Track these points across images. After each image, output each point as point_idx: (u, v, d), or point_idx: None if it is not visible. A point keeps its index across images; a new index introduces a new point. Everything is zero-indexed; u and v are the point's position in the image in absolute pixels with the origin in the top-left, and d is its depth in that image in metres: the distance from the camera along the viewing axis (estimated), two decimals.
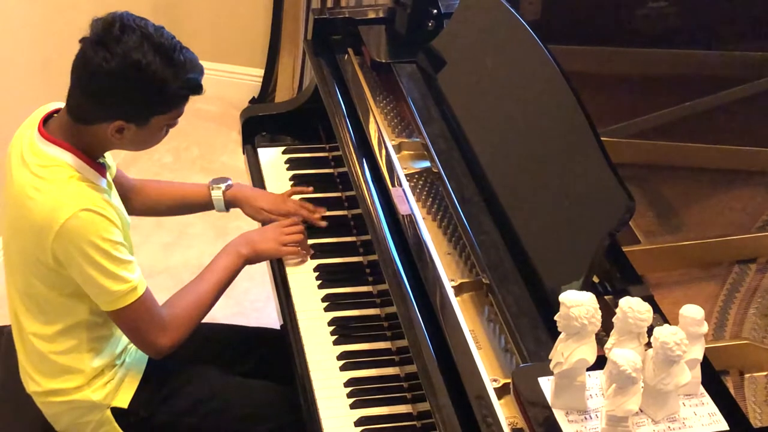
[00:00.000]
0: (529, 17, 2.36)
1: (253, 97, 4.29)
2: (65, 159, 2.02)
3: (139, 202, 2.46)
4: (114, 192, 2.18)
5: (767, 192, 2.34)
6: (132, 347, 2.24)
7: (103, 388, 2.20)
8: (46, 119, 2.10)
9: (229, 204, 2.50)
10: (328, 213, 2.51)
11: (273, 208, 2.46)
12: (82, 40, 1.99)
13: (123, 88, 1.98)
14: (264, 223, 2.47)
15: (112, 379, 2.21)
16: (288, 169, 2.64)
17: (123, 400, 2.21)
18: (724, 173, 2.39)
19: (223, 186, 2.48)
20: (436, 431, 1.79)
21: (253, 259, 2.33)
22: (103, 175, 2.11)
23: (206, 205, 2.52)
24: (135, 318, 2.09)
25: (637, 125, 2.47)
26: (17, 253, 2.12)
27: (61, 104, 2.09)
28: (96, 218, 1.99)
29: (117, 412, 2.21)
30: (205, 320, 2.44)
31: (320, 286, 2.33)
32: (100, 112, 2.02)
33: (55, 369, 2.17)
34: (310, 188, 2.55)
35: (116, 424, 2.22)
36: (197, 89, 2.06)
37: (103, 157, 2.15)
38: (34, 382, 2.21)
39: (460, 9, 2.46)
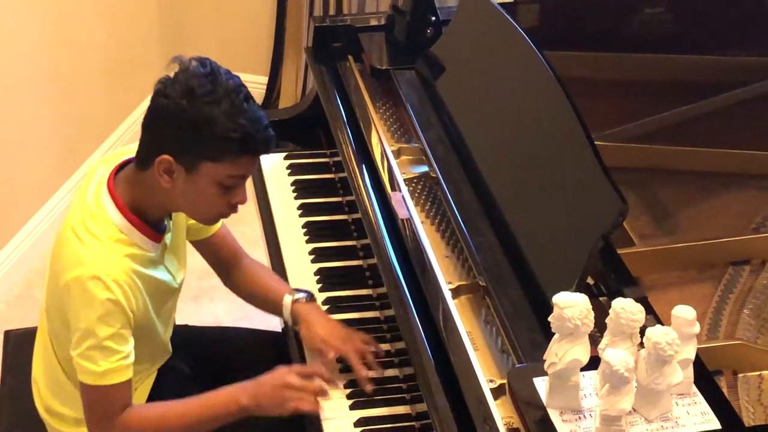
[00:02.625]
0: (525, 24, 2.36)
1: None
2: (114, 219, 1.95)
3: (239, 281, 2.32)
4: (169, 257, 2.08)
5: (761, 195, 2.34)
6: None
7: None
8: (125, 164, 2.02)
9: (294, 318, 2.23)
10: (328, 217, 2.51)
11: (332, 341, 2.14)
12: (160, 78, 1.93)
13: (174, 114, 1.88)
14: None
15: None
16: (289, 174, 2.64)
17: None
18: (718, 177, 2.39)
19: (298, 296, 2.23)
20: (433, 430, 1.79)
21: (254, 412, 2.06)
22: (156, 239, 2.01)
23: (279, 308, 2.26)
24: (91, 397, 1.98)
25: (631, 130, 2.47)
26: (50, 273, 2.07)
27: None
28: (102, 292, 1.89)
29: None
30: (210, 325, 2.43)
31: (321, 290, 2.33)
32: (152, 145, 1.92)
33: (61, 395, 2.15)
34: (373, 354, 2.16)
35: None
36: (253, 143, 1.90)
37: (169, 217, 2.07)
38: (39, 396, 2.20)
39: (457, 16, 2.46)
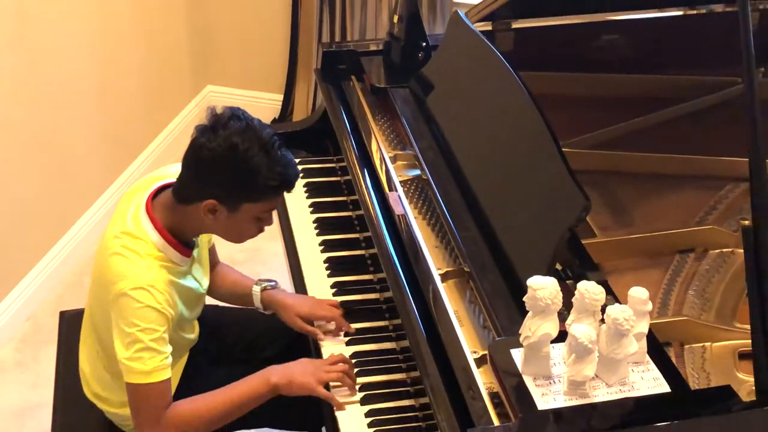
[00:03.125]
0: (502, 49, 2.36)
1: (275, 117, 4.30)
2: (152, 237, 1.94)
3: (212, 281, 2.27)
4: (196, 268, 2.08)
5: (703, 193, 2.33)
6: None
7: None
8: (161, 189, 2.01)
9: (265, 305, 2.25)
10: (335, 213, 2.51)
11: (309, 313, 2.18)
12: (196, 127, 1.91)
13: (220, 167, 1.87)
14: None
15: None
16: (302, 177, 2.63)
17: None
18: (667, 178, 2.39)
19: (264, 284, 2.25)
20: (426, 396, 1.79)
21: (284, 390, 2.02)
22: (187, 255, 2.01)
23: (249, 299, 2.27)
24: (137, 397, 1.95)
25: (593, 138, 2.46)
26: (96, 288, 2.06)
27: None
28: (148, 299, 1.88)
29: None
30: (231, 307, 2.39)
31: (329, 275, 2.33)
32: (197, 190, 1.91)
33: (106, 385, 2.15)
34: (341, 309, 2.21)
35: None
36: (288, 185, 1.93)
37: (197, 237, 2.06)
38: (86, 383, 2.19)
39: (444, 42, 2.46)
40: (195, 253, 2.06)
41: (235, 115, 1.89)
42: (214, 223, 1.95)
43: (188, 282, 2.03)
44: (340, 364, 2.04)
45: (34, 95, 3.15)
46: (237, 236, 2.04)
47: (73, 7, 3.29)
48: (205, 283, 2.14)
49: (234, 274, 2.34)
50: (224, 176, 1.89)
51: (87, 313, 2.15)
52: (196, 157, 1.89)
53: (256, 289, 2.26)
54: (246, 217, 1.95)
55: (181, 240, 1.98)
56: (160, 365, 1.92)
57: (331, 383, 2.03)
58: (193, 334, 2.15)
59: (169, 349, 1.94)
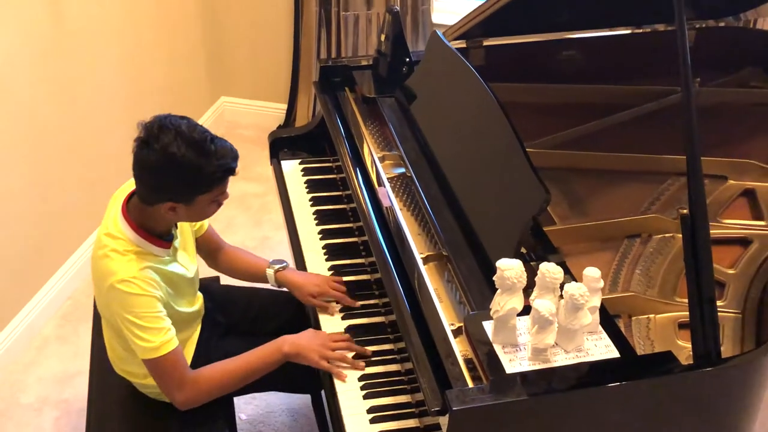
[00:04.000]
0: (474, 63, 2.36)
1: (280, 124, 4.29)
2: (129, 235, 1.92)
3: (220, 262, 2.29)
4: (181, 254, 2.05)
5: (648, 186, 2.34)
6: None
7: None
8: (133, 193, 1.96)
9: (279, 284, 2.24)
10: (332, 206, 2.50)
11: (320, 293, 2.16)
12: (135, 140, 1.84)
13: (165, 176, 1.83)
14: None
15: None
16: (303, 175, 2.64)
17: None
18: (618, 173, 2.39)
19: (276, 266, 2.24)
20: (411, 362, 1.79)
21: (293, 358, 2.02)
22: (165, 246, 1.98)
23: (263, 278, 2.26)
24: (157, 371, 1.95)
25: (554, 139, 2.46)
26: (94, 286, 2.03)
27: None
28: (131, 288, 1.87)
29: None
30: (237, 284, 2.39)
31: (327, 259, 2.33)
32: (153, 197, 1.88)
33: (126, 361, 2.13)
34: (345, 287, 2.20)
35: None
36: (229, 172, 1.88)
37: (175, 227, 2.03)
38: (113, 361, 2.19)
39: (425, 57, 2.46)
40: (176, 243, 2.04)
41: (163, 126, 1.82)
42: (177, 216, 1.93)
43: (173, 268, 2.01)
44: (343, 342, 2.03)
45: (69, 102, 3.13)
46: (200, 218, 2.03)
47: (104, 25, 3.28)
48: (193, 267, 2.11)
49: (247, 256, 2.33)
50: (172, 182, 1.85)
51: (96, 302, 2.13)
52: (142, 170, 1.86)
53: (270, 271, 2.24)
54: (203, 204, 1.91)
55: (154, 233, 1.96)
56: (165, 338, 1.92)
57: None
58: (190, 308, 2.12)
59: (168, 323, 1.93)
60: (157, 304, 1.92)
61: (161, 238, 1.98)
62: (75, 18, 3.08)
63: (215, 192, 1.90)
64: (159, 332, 1.91)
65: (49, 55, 2.98)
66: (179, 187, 1.86)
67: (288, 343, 2.02)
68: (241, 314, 2.36)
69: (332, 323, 2.14)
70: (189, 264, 2.10)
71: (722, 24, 2.91)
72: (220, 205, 1.96)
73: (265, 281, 2.27)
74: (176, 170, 1.82)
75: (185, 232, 2.12)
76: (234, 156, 1.88)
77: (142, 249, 1.93)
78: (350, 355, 2.02)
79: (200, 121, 4.12)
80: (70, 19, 3.06)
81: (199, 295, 2.20)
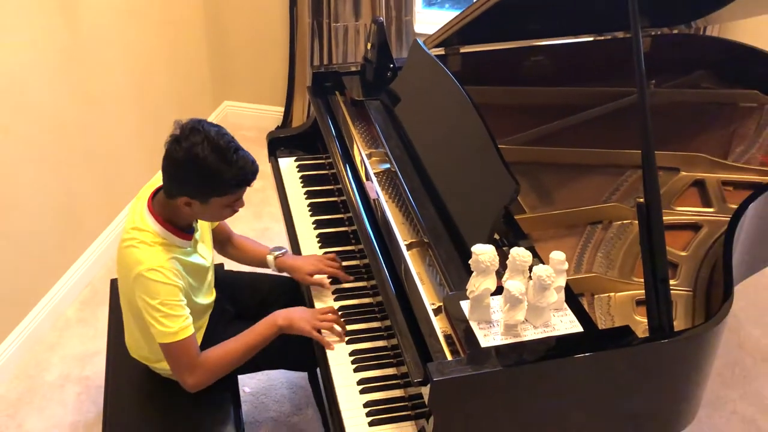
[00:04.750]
0: (452, 68, 2.36)
1: (278, 125, 4.28)
2: (154, 228, 1.91)
3: (229, 249, 2.30)
4: (200, 246, 2.04)
5: (609, 178, 2.34)
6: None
7: None
8: (159, 189, 1.96)
9: (279, 269, 2.24)
10: (324, 199, 2.50)
11: (317, 271, 2.16)
12: (170, 135, 1.85)
13: (186, 172, 1.83)
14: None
15: None
16: (298, 171, 2.63)
17: None
18: (581, 166, 2.39)
19: (276, 253, 2.24)
20: (396, 338, 1.80)
21: (286, 330, 2.03)
22: (188, 238, 1.97)
23: (265, 264, 2.26)
24: (171, 354, 1.94)
25: (524, 137, 2.46)
26: (120, 276, 2.03)
27: None
28: (158, 276, 1.87)
29: None
30: (242, 269, 2.39)
31: (320, 247, 2.33)
32: (174, 189, 1.88)
33: (141, 345, 2.13)
34: (339, 263, 2.20)
35: None
36: (245, 183, 1.88)
37: (196, 221, 2.02)
38: (128, 345, 2.18)
39: (407, 63, 2.46)
40: (197, 235, 2.04)
41: (195, 128, 1.82)
42: (193, 213, 1.92)
43: (194, 259, 2.01)
44: (330, 314, 2.04)
45: (85, 107, 3.11)
46: (213, 219, 2.03)
47: (117, 37, 3.26)
48: (210, 258, 2.11)
49: (252, 244, 2.33)
50: (191, 179, 1.85)
51: (120, 290, 2.12)
52: (168, 164, 1.85)
53: (270, 257, 2.25)
54: (217, 206, 1.91)
55: (178, 227, 1.96)
56: (183, 325, 1.91)
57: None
58: (206, 300, 2.12)
59: (187, 311, 1.93)
60: (179, 293, 1.91)
61: (184, 231, 1.98)
62: (88, 30, 3.06)
63: (230, 198, 1.90)
64: (178, 319, 1.91)
65: (66, 64, 2.97)
66: (197, 185, 1.86)
67: (281, 317, 2.03)
68: (248, 300, 2.35)
69: (325, 304, 2.13)
70: (207, 254, 2.10)
71: (676, 31, 2.91)
72: (235, 211, 1.96)
73: (267, 266, 2.27)
74: (196, 169, 1.82)
75: (203, 225, 2.12)
76: (253, 170, 1.88)
77: (167, 241, 1.93)
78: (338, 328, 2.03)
79: None
80: (84, 30, 3.04)
81: (214, 289, 2.19)
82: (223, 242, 2.31)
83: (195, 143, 1.80)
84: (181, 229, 1.97)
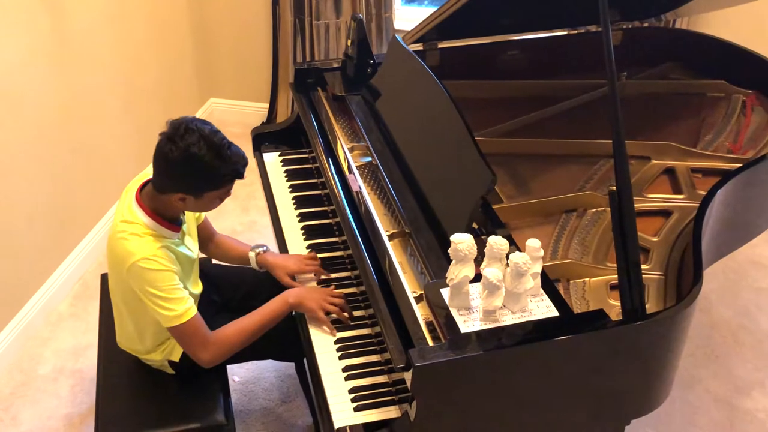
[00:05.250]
0: (430, 63, 2.36)
1: (263, 121, 4.27)
2: (143, 220, 1.92)
3: (212, 248, 2.30)
4: (187, 238, 2.05)
5: (583, 168, 2.35)
6: None
7: (162, 352, 2.13)
8: (146, 183, 1.97)
9: (260, 266, 2.25)
10: (309, 192, 2.49)
11: (297, 270, 2.18)
12: (161, 134, 1.85)
13: (182, 170, 1.84)
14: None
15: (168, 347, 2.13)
16: (283, 165, 2.63)
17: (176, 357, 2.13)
18: (556, 157, 2.40)
19: (258, 250, 2.25)
20: (379, 326, 1.81)
21: (296, 308, 2.05)
22: (176, 230, 1.98)
23: (247, 261, 2.27)
24: (182, 335, 1.95)
25: (500, 129, 2.47)
26: (111, 268, 2.03)
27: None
28: (152, 264, 1.87)
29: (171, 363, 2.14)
30: (227, 265, 2.36)
31: (305, 239, 2.32)
32: (168, 186, 1.89)
33: (132, 338, 2.12)
34: (318, 260, 2.21)
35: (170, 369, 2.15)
36: (238, 175, 1.90)
37: (183, 214, 2.03)
38: (119, 338, 2.17)
39: (387, 59, 2.45)
40: (184, 228, 2.04)
41: (189, 127, 1.82)
42: (185, 206, 1.94)
43: (182, 249, 2.01)
44: (338, 299, 2.05)
45: (73, 105, 3.09)
46: (203, 210, 2.03)
47: (103, 37, 3.24)
48: (196, 249, 2.12)
49: (233, 243, 2.33)
50: (187, 177, 1.86)
51: (110, 284, 2.11)
52: (163, 162, 1.85)
53: (252, 254, 2.26)
54: (209, 199, 1.93)
55: (166, 218, 1.96)
56: (186, 306, 1.93)
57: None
58: (195, 291, 2.12)
59: (186, 293, 1.94)
60: (176, 277, 1.92)
61: (172, 222, 1.98)
62: (75, 28, 3.04)
63: (222, 190, 1.92)
64: (180, 301, 1.92)
65: (53, 62, 2.94)
66: (193, 182, 1.88)
67: (292, 295, 2.05)
68: (233, 293, 2.35)
69: None
70: (193, 247, 2.10)
71: (646, 24, 2.93)
72: (222, 201, 1.97)
73: (249, 263, 2.27)
74: (194, 167, 1.83)
75: (189, 219, 2.12)
76: (244, 163, 1.91)
77: (156, 232, 1.93)
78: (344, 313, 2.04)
79: None
80: (71, 29, 3.02)
81: (200, 281, 2.19)
82: (205, 240, 2.30)
83: (191, 143, 1.81)
84: (169, 221, 1.97)
